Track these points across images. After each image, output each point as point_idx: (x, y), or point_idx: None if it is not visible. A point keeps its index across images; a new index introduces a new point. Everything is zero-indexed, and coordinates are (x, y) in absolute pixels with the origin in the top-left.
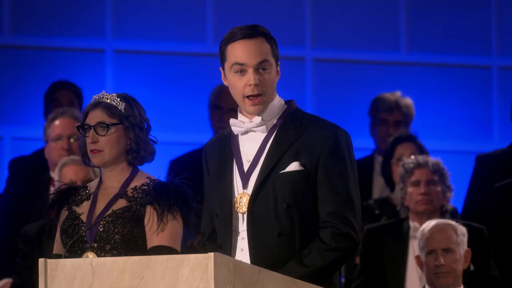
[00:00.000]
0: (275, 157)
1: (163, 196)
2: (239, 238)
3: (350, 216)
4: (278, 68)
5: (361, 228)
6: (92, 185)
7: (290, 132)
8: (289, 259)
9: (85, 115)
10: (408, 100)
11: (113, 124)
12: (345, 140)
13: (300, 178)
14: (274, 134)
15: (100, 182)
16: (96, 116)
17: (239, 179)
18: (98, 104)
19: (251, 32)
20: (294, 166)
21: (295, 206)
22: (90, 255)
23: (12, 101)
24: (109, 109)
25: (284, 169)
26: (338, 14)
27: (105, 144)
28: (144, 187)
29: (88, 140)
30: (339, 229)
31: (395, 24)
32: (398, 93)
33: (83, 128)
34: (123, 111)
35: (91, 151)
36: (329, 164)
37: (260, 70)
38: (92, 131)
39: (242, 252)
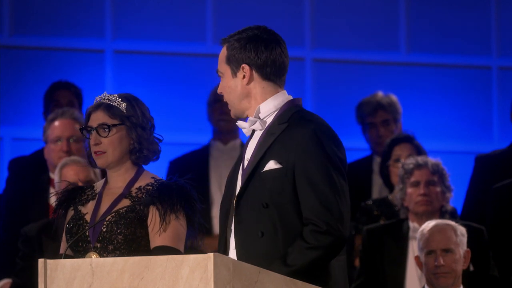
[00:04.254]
0: (258, 156)
1: (166, 196)
2: (232, 236)
3: (327, 212)
4: (245, 71)
5: (359, 230)
6: (98, 185)
7: (274, 130)
8: (273, 259)
9: (88, 117)
10: (391, 98)
11: (114, 125)
12: (322, 136)
13: (276, 176)
14: (263, 132)
15: (106, 182)
16: (97, 118)
17: (239, 178)
18: (99, 106)
19: (222, 41)
20: (271, 165)
21: (273, 206)
22: (93, 255)
23: (12, 101)
24: (110, 110)
25: (264, 168)
26: (338, 14)
27: (108, 145)
28: (148, 187)
29: (91, 142)
30: (318, 226)
31: (395, 24)
32: (379, 93)
33: (86, 130)
34: (124, 111)
35: (95, 153)
36: (305, 162)
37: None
38: (94, 133)
39: (233, 250)
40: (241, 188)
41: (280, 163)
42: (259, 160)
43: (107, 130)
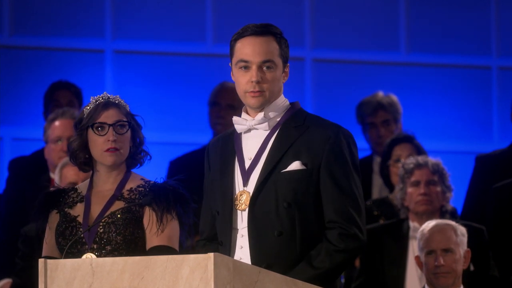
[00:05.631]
0: (277, 155)
1: (161, 197)
2: (238, 235)
3: (356, 216)
4: (287, 70)
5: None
6: (82, 187)
7: (292, 131)
8: (289, 258)
9: (97, 115)
10: (391, 98)
11: (129, 123)
12: (346, 140)
13: (301, 177)
14: (276, 132)
15: (91, 184)
16: (112, 115)
17: (240, 177)
18: (109, 104)
19: (261, 30)
20: (295, 165)
21: (295, 206)
22: (90, 256)
23: (12, 101)
24: (121, 109)
25: (286, 168)
26: (338, 14)
27: (123, 142)
28: (140, 189)
29: (109, 138)
30: (346, 230)
31: (395, 24)
32: (380, 93)
33: (98, 127)
34: (129, 111)
35: (108, 149)
36: (332, 164)
37: (264, 68)
38: (111, 129)
39: (242, 249)
40: (257, 187)
41: (304, 164)
42: (277, 161)
43: (125, 126)
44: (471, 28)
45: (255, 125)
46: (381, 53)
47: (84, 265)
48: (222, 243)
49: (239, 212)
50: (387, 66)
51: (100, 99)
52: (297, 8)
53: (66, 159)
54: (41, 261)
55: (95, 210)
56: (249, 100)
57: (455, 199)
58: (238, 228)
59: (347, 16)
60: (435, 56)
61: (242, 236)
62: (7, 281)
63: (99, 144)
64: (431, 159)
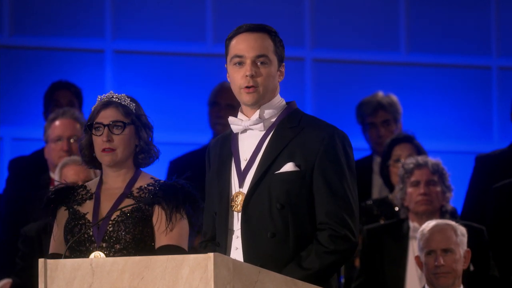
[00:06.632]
0: (271, 157)
1: (171, 196)
2: (234, 236)
3: (347, 218)
4: (282, 69)
5: (359, 230)
6: (92, 185)
7: (287, 132)
8: (282, 260)
9: (96, 114)
10: (391, 98)
11: (128, 123)
12: (341, 141)
13: (295, 178)
14: (271, 133)
15: (101, 182)
16: (109, 115)
17: (236, 178)
18: (109, 103)
19: (255, 27)
20: (289, 167)
21: (289, 207)
22: (99, 254)
23: (12, 101)
24: (122, 108)
25: (279, 169)
26: (338, 14)
27: (119, 143)
28: (150, 187)
29: (103, 139)
30: (337, 231)
31: (395, 24)
32: (380, 93)
33: (95, 127)
34: (134, 111)
35: (103, 150)
36: (325, 166)
37: (258, 63)
38: (106, 129)
39: (237, 250)
40: (250, 188)
41: (298, 165)
42: (271, 162)
43: (120, 127)
44: (471, 28)
45: (250, 125)
46: (381, 53)
47: (84, 265)
48: (219, 244)
49: (235, 213)
50: (387, 66)
51: (105, 97)
52: (297, 8)
53: (66, 158)
54: (41, 261)
55: (105, 208)
56: (244, 97)
57: (455, 199)
58: (234, 229)
59: (347, 16)
60: (435, 56)
61: (237, 237)
62: (7, 281)
63: (97, 144)
64: (431, 159)
